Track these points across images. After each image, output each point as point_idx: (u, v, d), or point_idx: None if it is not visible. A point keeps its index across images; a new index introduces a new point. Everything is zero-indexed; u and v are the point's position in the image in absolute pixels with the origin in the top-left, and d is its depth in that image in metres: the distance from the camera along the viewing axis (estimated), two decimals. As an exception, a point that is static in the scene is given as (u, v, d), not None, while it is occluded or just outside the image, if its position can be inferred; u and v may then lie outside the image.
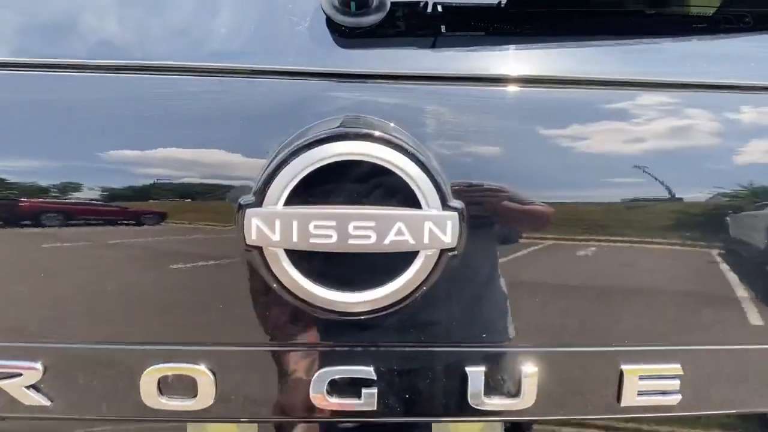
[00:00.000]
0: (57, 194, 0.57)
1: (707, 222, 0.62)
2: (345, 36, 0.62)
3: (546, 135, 0.61)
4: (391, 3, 0.62)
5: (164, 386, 0.60)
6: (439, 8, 0.64)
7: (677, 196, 0.61)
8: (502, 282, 0.61)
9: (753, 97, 0.64)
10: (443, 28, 0.65)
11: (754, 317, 0.64)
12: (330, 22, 0.61)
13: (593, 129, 0.61)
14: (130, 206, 0.58)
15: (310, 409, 0.60)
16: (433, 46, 0.65)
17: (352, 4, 0.61)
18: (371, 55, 0.62)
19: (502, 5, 0.63)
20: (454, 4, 0.64)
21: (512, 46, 0.64)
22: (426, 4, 0.64)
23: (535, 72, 0.62)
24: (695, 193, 0.62)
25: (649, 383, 0.62)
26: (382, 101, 0.59)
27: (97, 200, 0.58)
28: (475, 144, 0.60)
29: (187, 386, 0.59)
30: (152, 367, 0.59)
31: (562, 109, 0.61)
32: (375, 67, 0.61)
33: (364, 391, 0.60)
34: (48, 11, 0.64)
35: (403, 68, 0.61)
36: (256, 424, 0.67)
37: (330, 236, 0.55)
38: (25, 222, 0.58)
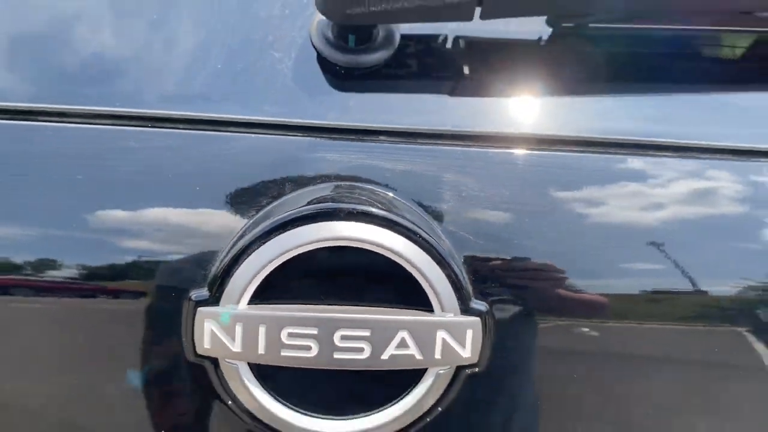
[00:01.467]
0: None
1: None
2: (340, 79, 0.48)
3: (594, 207, 0.47)
4: (402, 36, 0.48)
5: None
6: (464, 46, 0.50)
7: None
8: (543, 406, 0.46)
9: None
10: (466, 71, 0.51)
11: None
12: (321, 61, 0.48)
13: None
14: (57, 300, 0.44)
15: None
16: (452, 93, 0.51)
17: (351, 38, 0.47)
18: (372, 105, 0.48)
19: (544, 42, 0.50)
20: (486, 41, 0.50)
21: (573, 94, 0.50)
22: (445, 39, 0.50)
23: (580, 132, 0.48)
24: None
25: None
26: (385, 166, 0.45)
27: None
28: (508, 223, 0.45)
29: None
30: None
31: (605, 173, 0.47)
32: (377, 121, 0.47)
33: None
34: None
35: (413, 123, 0.47)
36: None
37: (309, 347, 0.41)
38: None
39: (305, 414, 0.43)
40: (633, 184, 0.47)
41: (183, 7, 0.52)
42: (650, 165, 0.47)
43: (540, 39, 0.51)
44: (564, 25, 0.52)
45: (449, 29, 0.50)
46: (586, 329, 0.46)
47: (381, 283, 0.42)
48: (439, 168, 0.46)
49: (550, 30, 0.51)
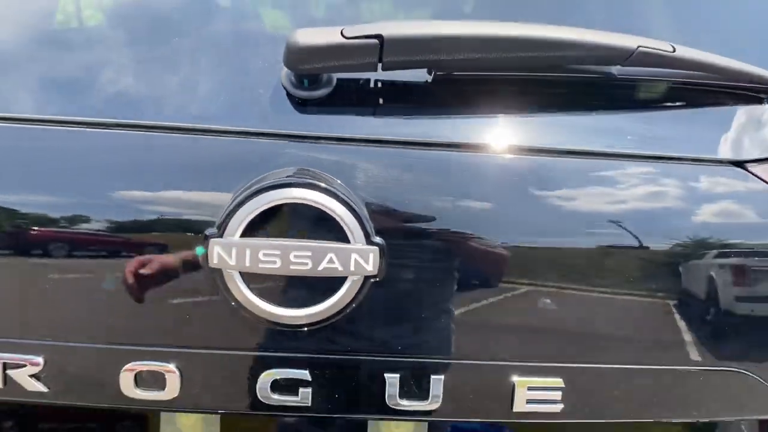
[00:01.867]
0: (61, 224, 0.73)
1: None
2: (299, 105, 0.78)
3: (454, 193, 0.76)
4: (337, 80, 0.78)
5: (139, 380, 0.74)
6: (379, 84, 0.81)
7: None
8: (419, 303, 0.75)
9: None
10: (380, 100, 0.81)
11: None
12: (288, 94, 0.78)
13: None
14: (125, 237, 0.74)
15: (257, 404, 0.74)
16: (372, 114, 0.81)
17: (305, 81, 0.77)
18: (320, 121, 0.78)
19: (430, 82, 0.80)
20: (389, 82, 0.80)
21: (440, 114, 0.81)
22: (367, 81, 0.80)
23: (451, 138, 0.78)
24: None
25: (536, 393, 0.75)
26: (326, 158, 0.75)
27: (93, 231, 0.73)
28: (396, 194, 0.75)
29: (158, 380, 0.74)
30: (130, 364, 0.73)
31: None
32: (323, 131, 0.77)
33: (301, 390, 0.74)
34: None
35: (345, 132, 0.77)
36: (219, 415, 0.80)
37: (275, 262, 0.70)
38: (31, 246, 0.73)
39: (273, 304, 0.72)
40: None
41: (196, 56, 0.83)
42: None
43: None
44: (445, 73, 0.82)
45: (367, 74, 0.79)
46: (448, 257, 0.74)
47: (319, 225, 0.71)
48: (362, 160, 0.75)
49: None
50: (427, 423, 0.83)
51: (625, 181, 0.78)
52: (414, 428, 0.84)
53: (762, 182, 0.81)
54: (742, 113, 0.86)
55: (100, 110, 0.78)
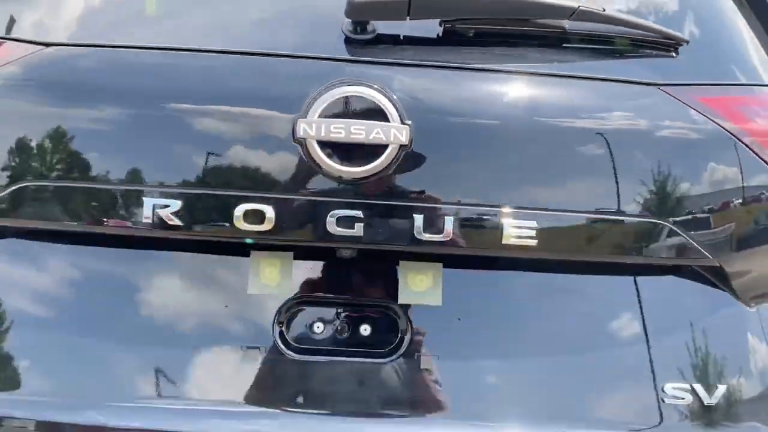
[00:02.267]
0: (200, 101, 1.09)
1: None
2: (354, 41, 1.16)
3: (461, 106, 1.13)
4: (380, 25, 1.16)
5: (246, 216, 1.07)
6: (407, 28, 1.18)
7: None
8: (437, 165, 1.10)
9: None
10: (408, 39, 1.19)
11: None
12: (347, 36, 1.16)
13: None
14: (241, 121, 1.09)
15: (325, 236, 1.07)
16: (402, 47, 1.19)
17: (358, 28, 1.16)
18: (368, 51, 1.16)
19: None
20: (415, 26, 1.18)
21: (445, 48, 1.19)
22: (400, 26, 1.19)
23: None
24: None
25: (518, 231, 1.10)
26: (373, 73, 1.12)
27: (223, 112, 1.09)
28: (419, 94, 1.11)
29: (258, 217, 1.07)
30: (241, 205, 1.07)
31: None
32: (370, 57, 1.14)
33: (356, 224, 1.07)
34: None
35: (384, 58, 1.15)
36: (292, 259, 1.14)
37: (341, 133, 1.05)
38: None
39: (339, 164, 1.06)
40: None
41: None
42: None
43: None
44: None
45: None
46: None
47: (370, 110, 1.07)
48: (392, 74, 1.12)
49: None
50: (441, 266, 1.16)
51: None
52: (433, 274, 1.16)
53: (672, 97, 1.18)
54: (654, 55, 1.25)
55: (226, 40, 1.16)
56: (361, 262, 1.17)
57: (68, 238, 1.14)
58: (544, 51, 1.23)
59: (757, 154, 1.17)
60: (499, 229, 1.10)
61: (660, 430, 1.12)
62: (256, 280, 1.15)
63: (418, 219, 1.09)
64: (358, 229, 1.08)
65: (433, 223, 1.09)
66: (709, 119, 1.17)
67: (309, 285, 1.16)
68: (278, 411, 1.11)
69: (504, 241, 1.10)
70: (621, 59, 1.25)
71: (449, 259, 1.16)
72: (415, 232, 1.08)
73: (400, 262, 1.16)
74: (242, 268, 1.16)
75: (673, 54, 1.26)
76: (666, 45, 1.25)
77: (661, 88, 1.19)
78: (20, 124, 1.11)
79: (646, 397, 1.13)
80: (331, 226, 1.08)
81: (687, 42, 1.25)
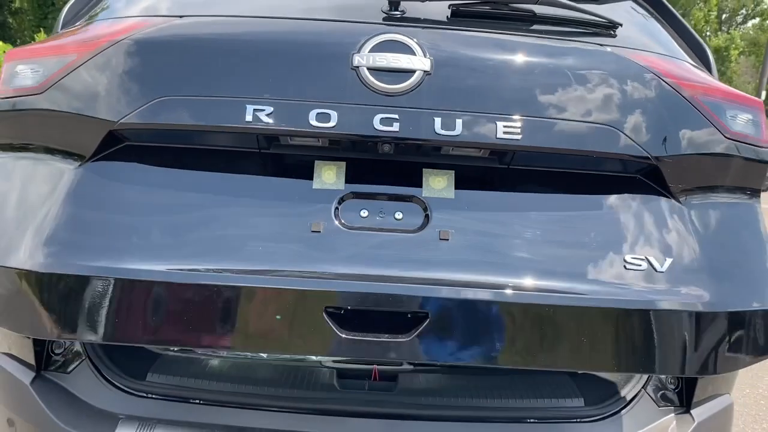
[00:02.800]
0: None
1: None
2: (392, 15, 1.69)
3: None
4: (406, 8, 1.70)
5: (318, 117, 1.52)
6: (422, 7, 1.72)
7: None
8: (452, 85, 1.57)
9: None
10: (426, 11, 1.72)
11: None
12: (386, 11, 1.69)
13: None
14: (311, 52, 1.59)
15: (372, 133, 1.51)
16: (422, 14, 1.72)
17: (393, 6, 1.69)
18: (399, 17, 1.68)
19: None
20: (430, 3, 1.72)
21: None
22: (418, 6, 1.72)
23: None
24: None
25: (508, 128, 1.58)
26: (403, 28, 1.63)
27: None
28: (436, 40, 1.61)
29: (325, 118, 1.51)
30: (314, 110, 1.52)
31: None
32: (401, 22, 1.67)
33: (394, 123, 1.51)
34: None
35: (412, 22, 1.66)
36: (344, 162, 1.58)
37: (384, 61, 1.54)
38: None
39: (383, 83, 1.54)
40: None
41: None
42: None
43: None
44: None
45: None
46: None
47: (403, 49, 1.56)
48: (417, 29, 1.64)
49: None
50: (453, 173, 1.60)
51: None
52: (447, 177, 1.59)
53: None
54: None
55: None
56: (394, 170, 1.61)
57: (181, 141, 1.60)
58: (519, 24, 1.78)
59: (674, 89, 1.66)
60: (493, 127, 1.55)
61: (626, 283, 1.51)
62: (319, 179, 1.59)
63: (437, 120, 1.54)
64: (396, 127, 1.53)
65: (446, 123, 1.55)
66: (643, 68, 1.67)
67: (357, 183, 1.60)
68: (335, 266, 1.48)
69: (497, 135, 1.54)
70: (576, 31, 1.80)
71: (459, 168, 1.61)
72: (434, 128, 1.53)
73: (423, 170, 1.61)
74: (309, 172, 1.60)
75: (612, 32, 1.81)
76: (608, 27, 1.81)
77: (608, 48, 1.72)
78: (163, 60, 1.59)
79: (617, 264, 1.53)
80: (377, 124, 1.52)
81: (621, 25, 1.81)
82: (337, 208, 1.53)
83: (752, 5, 47.30)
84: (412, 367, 2.02)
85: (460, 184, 1.61)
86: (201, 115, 1.54)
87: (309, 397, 1.81)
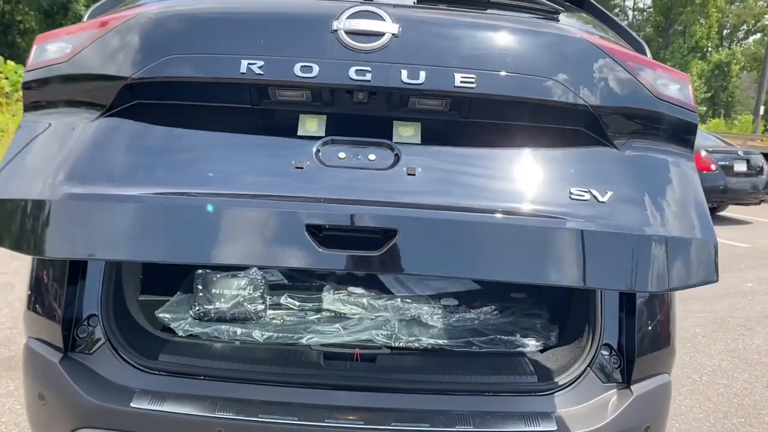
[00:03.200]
0: None
1: None
2: None
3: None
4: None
5: (302, 69, 1.67)
6: None
7: None
8: (422, 40, 1.72)
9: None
10: None
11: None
12: None
13: None
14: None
15: (349, 79, 1.68)
16: None
17: None
18: None
19: None
20: None
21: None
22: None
23: None
24: None
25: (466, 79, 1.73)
26: (379, 2, 1.80)
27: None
28: (405, 14, 1.79)
29: (309, 69, 1.68)
30: (299, 64, 1.69)
31: None
32: None
33: (367, 74, 1.67)
34: None
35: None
36: (325, 116, 1.74)
37: (359, 24, 1.69)
38: None
39: (361, 37, 1.70)
40: None
41: None
42: None
43: None
44: None
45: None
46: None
47: (374, 16, 1.73)
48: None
49: None
50: (420, 124, 1.75)
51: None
52: (415, 127, 1.75)
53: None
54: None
55: None
56: (369, 123, 1.77)
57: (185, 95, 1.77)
58: (476, 7, 1.98)
59: (610, 56, 1.82)
60: (451, 77, 1.70)
61: (571, 210, 1.64)
62: (303, 128, 1.76)
63: (403, 72, 1.70)
64: (368, 77, 1.68)
65: (411, 74, 1.70)
66: (583, 39, 1.84)
67: (336, 132, 1.76)
68: (314, 192, 1.60)
69: (455, 84, 1.70)
70: (526, 16, 1.98)
71: (425, 121, 1.78)
72: (401, 78, 1.68)
73: (394, 122, 1.77)
74: (294, 124, 1.77)
75: (556, 17, 1.98)
76: (552, 12, 1.98)
77: (553, 23, 1.89)
78: (169, 28, 1.77)
79: (563, 195, 1.67)
80: (352, 74, 1.68)
81: (563, 10, 1.99)
82: (318, 150, 1.70)
83: (753, 21, 47.62)
84: (389, 350, 2.24)
85: (425, 133, 1.79)
86: (202, 69, 1.74)
87: (299, 374, 2.01)
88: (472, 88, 1.71)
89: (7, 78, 12.07)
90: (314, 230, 1.52)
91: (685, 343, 4.81)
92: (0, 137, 11.55)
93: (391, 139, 1.75)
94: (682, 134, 1.84)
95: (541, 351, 2.26)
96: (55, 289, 2.07)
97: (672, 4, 42.79)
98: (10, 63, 14.22)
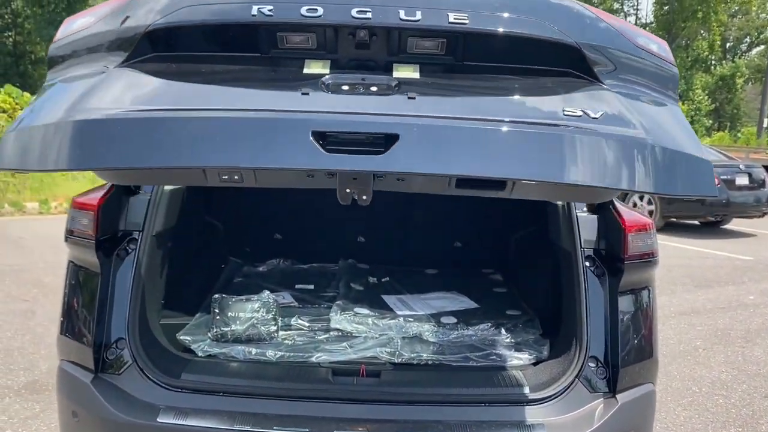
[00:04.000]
0: None
1: None
2: None
3: None
4: None
5: (309, 11, 1.78)
6: None
7: None
8: None
9: None
10: None
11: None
12: None
13: None
14: None
15: (351, 18, 1.78)
16: None
17: None
18: None
19: None
20: None
21: None
22: None
23: None
24: None
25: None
26: None
27: None
28: None
29: (316, 11, 1.79)
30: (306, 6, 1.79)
31: None
32: None
33: (367, 13, 1.77)
34: None
35: None
36: (329, 60, 1.85)
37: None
38: None
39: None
40: None
41: None
42: None
43: None
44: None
45: None
46: None
47: None
48: None
49: None
50: (418, 66, 1.83)
51: None
52: (413, 68, 1.83)
53: None
54: None
55: None
56: (370, 66, 1.87)
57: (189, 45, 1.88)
58: None
59: (595, 15, 1.93)
60: (445, 15, 1.80)
61: (564, 122, 1.60)
62: (308, 68, 1.84)
63: (401, 11, 1.80)
64: (368, 15, 1.78)
65: (409, 12, 1.80)
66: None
67: (339, 71, 1.82)
68: (319, 107, 1.63)
69: (449, 21, 1.80)
70: None
71: (423, 65, 1.86)
72: (399, 16, 1.79)
73: (394, 64, 1.86)
74: (301, 67, 1.84)
75: None
76: None
77: None
78: None
79: (555, 112, 1.66)
80: (354, 14, 1.79)
81: None
82: (323, 83, 1.75)
83: (756, 33, 47.84)
84: (393, 366, 2.41)
85: (424, 74, 1.86)
86: (217, 14, 1.85)
87: (309, 389, 2.19)
88: (465, 24, 1.81)
89: (22, 109, 12.38)
90: (318, 136, 1.49)
91: (685, 356, 4.93)
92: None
93: (392, 75, 1.81)
94: (664, 81, 1.91)
95: (534, 364, 2.43)
96: (85, 315, 2.27)
97: (674, 19, 43.05)
98: (27, 95, 14.62)
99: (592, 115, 1.61)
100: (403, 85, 1.75)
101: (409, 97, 1.67)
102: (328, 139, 1.48)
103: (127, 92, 1.72)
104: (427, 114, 1.59)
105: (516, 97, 1.85)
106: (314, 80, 1.76)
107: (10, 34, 32.96)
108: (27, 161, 1.56)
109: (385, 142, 1.48)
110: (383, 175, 1.87)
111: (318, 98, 1.68)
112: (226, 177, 1.96)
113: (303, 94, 1.68)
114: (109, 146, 1.52)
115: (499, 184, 1.98)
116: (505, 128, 1.54)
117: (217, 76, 1.88)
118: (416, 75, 1.84)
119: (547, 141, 1.53)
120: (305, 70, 1.83)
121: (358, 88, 1.73)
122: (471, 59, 1.91)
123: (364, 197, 1.90)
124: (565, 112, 1.63)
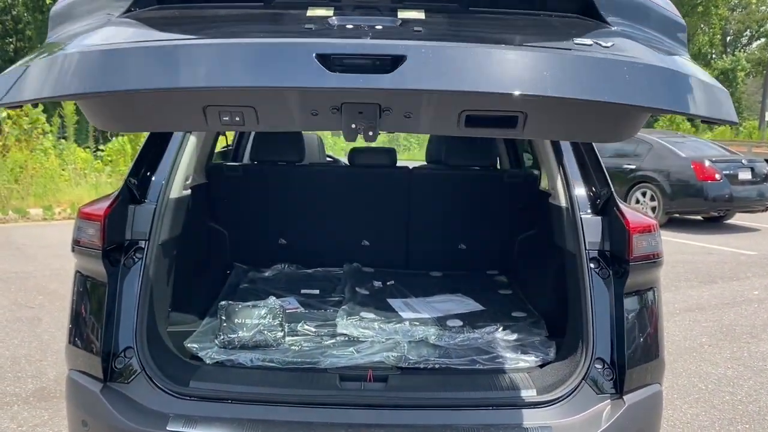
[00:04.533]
0: None
1: None
2: None
3: None
4: None
5: None
6: None
7: None
8: None
9: None
10: None
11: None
12: None
13: None
14: None
15: None
16: None
17: None
18: None
19: None
20: None
21: None
22: None
23: None
24: None
25: None
26: None
27: None
28: None
29: None
30: None
31: None
32: None
33: None
34: None
35: None
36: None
37: None
38: None
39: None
40: None
41: None
42: None
43: None
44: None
45: None
46: None
47: None
48: None
49: None
50: (424, 11, 1.76)
51: None
52: (418, 12, 1.75)
53: None
54: None
55: None
56: (375, 11, 1.79)
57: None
58: None
59: None
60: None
61: (575, 47, 1.58)
62: (312, 12, 1.76)
63: None
64: None
65: None
66: None
67: (343, 14, 1.75)
68: (322, 34, 1.63)
69: None
70: None
71: (428, 10, 1.78)
72: None
73: (398, 10, 1.77)
74: (304, 15, 1.75)
75: None
76: None
77: None
78: None
79: (566, 42, 1.65)
80: None
81: None
82: (326, 21, 1.70)
83: (756, 26, 47.72)
84: (400, 371, 2.42)
85: (429, 17, 1.79)
86: None
87: (317, 395, 2.21)
88: None
89: (27, 115, 12.39)
90: (324, 59, 1.46)
91: (691, 353, 4.94)
92: (19, 173, 11.88)
93: (397, 16, 1.76)
94: (672, 30, 1.82)
95: (540, 366, 2.44)
96: (93, 325, 2.29)
97: (674, 14, 42.90)
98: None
99: (604, 44, 1.58)
100: (409, 23, 1.70)
101: (415, 30, 1.64)
102: (332, 60, 1.46)
103: (130, 33, 1.69)
104: (432, 37, 1.58)
105: (525, 34, 1.81)
106: (317, 19, 1.72)
107: (11, 40, 33.00)
108: (24, 92, 1.52)
109: (392, 63, 1.45)
110: (390, 109, 1.77)
111: (321, 31, 1.65)
112: (227, 118, 1.82)
113: (306, 28, 1.66)
114: (111, 72, 1.49)
115: (511, 120, 1.82)
116: (517, 50, 1.54)
117: (219, 23, 1.84)
118: (422, 15, 1.77)
119: (560, 60, 1.51)
120: (309, 14, 1.78)
121: (362, 27, 1.68)
122: (476, 4, 1.87)
123: (371, 133, 1.80)
124: (576, 42, 1.60)
